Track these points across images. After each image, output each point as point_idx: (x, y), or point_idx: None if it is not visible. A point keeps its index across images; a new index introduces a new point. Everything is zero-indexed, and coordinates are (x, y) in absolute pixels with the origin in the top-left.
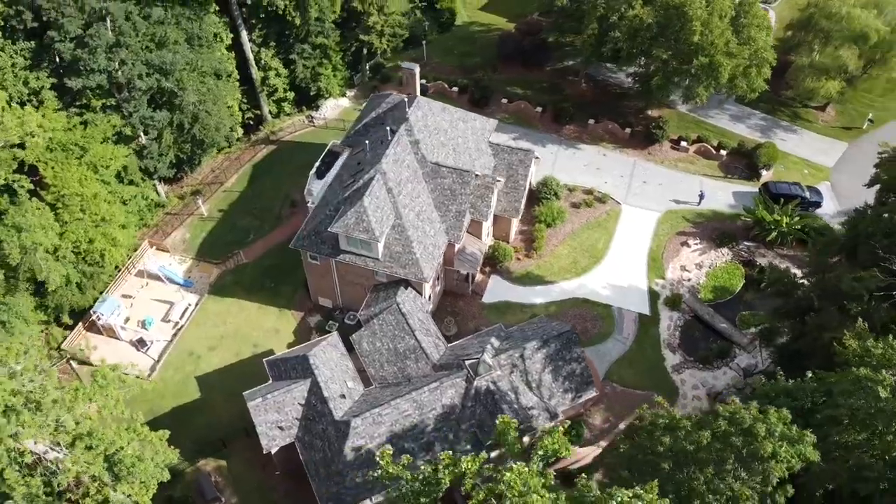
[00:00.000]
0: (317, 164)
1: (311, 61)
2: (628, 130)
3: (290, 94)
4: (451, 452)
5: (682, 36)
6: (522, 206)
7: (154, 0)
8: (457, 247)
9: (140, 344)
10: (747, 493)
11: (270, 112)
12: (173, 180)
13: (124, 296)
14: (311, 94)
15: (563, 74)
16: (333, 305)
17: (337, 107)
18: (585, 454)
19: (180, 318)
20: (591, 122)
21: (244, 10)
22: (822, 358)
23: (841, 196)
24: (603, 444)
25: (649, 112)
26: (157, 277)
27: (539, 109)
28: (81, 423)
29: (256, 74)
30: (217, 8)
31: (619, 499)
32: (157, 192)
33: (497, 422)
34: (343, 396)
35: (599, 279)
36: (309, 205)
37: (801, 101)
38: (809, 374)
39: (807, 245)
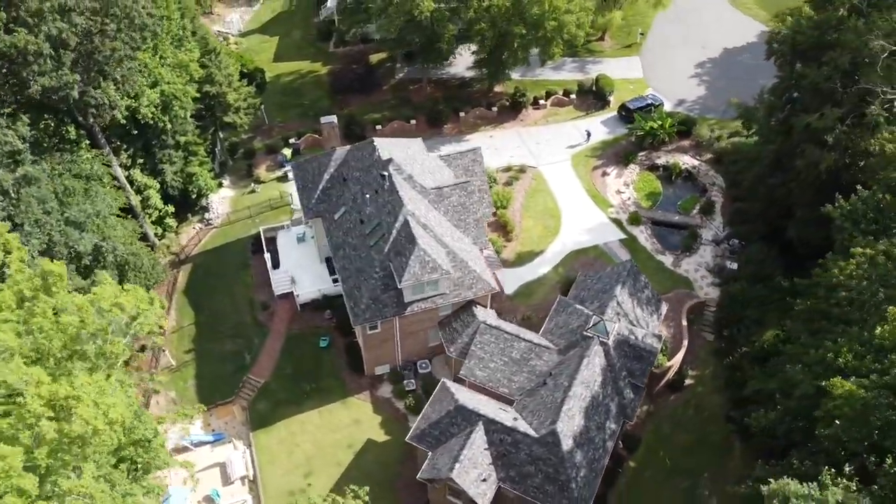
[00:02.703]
0: (267, 256)
1: (177, 164)
2: (494, 109)
3: (169, 208)
4: None
5: (529, 8)
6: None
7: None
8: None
9: None
10: None
11: (156, 234)
12: None
13: None
14: (193, 197)
15: (404, 86)
16: (392, 367)
17: (224, 199)
18: (677, 359)
19: (245, 469)
20: (462, 114)
21: (107, 132)
22: (816, 190)
23: (665, 94)
24: (685, 343)
25: (496, 89)
26: (183, 449)
27: (413, 122)
28: None
29: (135, 200)
30: (88, 142)
31: None
32: None
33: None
34: (515, 419)
35: (572, 230)
36: (296, 295)
37: (587, 38)
38: (861, 190)
39: (682, 135)
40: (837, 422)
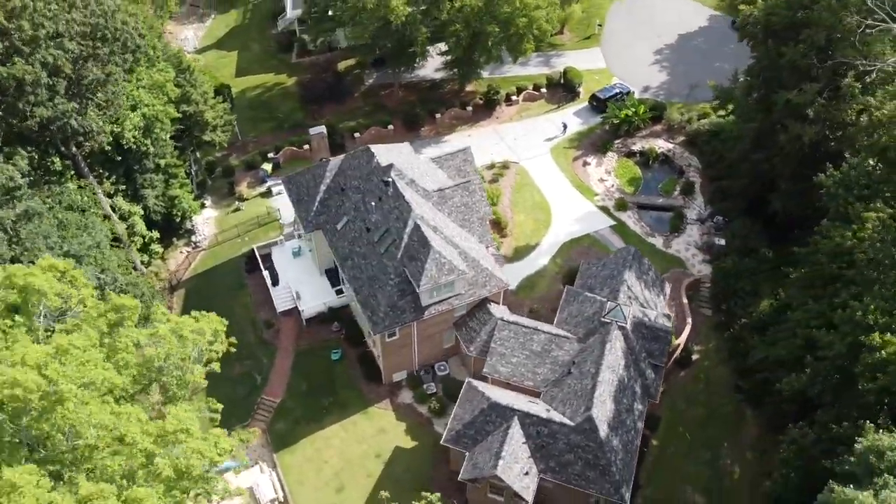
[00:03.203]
0: (265, 273)
1: (159, 188)
2: (469, 109)
3: (154, 234)
4: None
5: (500, 7)
6: None
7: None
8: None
9: None
10: None
11: (142, 262)
12: None
13: None
14: (177, 220)
15: (375, 92)
16: (409, 373)
17: (208, 220)
18: (684, 337)
19: (274, 492)
20: (438, 115)
21: (88, 160)
22: (798, 162)
23: (630, 82)
24: (689, 320)
25: (467, 88)
26: None
27: (390, 127)
28: None
29: (122, 230)
30: (73, 172)
31: None
32: None
33: None
34: (548, 411)
35: (563, 222)
36: (301, 310)
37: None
38: (850, 157)
39: (653, 121)
40: (879, 375)
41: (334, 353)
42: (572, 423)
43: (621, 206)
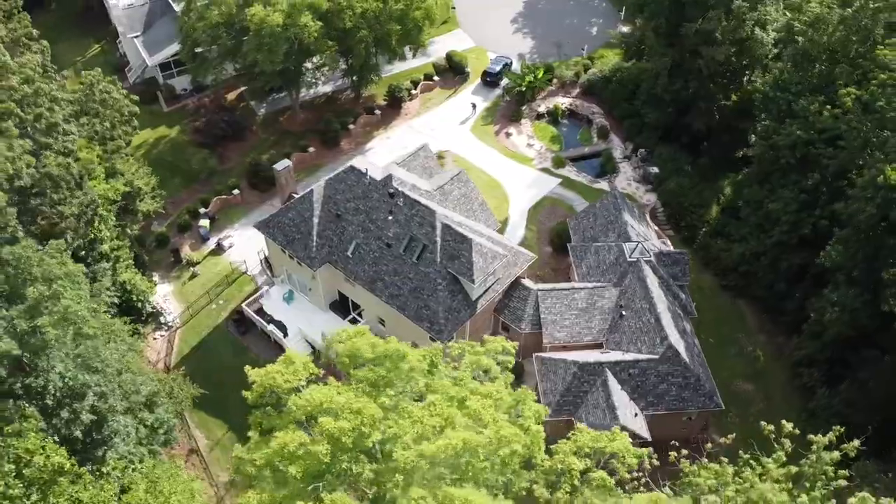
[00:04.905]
0: (271, 329)
1: (108, 277)
2: (378, 112)
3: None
4: None
5: (393, 4)
6: None
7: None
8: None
9: None
10: None
11: None
12: None
13: None
14: (138, 306)
15: (274, 119)
16: None
17: (168, 296)
18: None
19: None
20: (351, 126)
21: None
22: (710, 83)
23: (504, 53)
24: (668, 242)
25: (364, 94)
26: None
27: (311, 150)
28: None
29: None
30: None
31: None
32: None
33: None
34: (624, 353)
35: (517, 192)
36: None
37: None
38: (773, 63)
39: (549, 82)
40: None
41: None
42: (656, 356)
43: (559, 163)
